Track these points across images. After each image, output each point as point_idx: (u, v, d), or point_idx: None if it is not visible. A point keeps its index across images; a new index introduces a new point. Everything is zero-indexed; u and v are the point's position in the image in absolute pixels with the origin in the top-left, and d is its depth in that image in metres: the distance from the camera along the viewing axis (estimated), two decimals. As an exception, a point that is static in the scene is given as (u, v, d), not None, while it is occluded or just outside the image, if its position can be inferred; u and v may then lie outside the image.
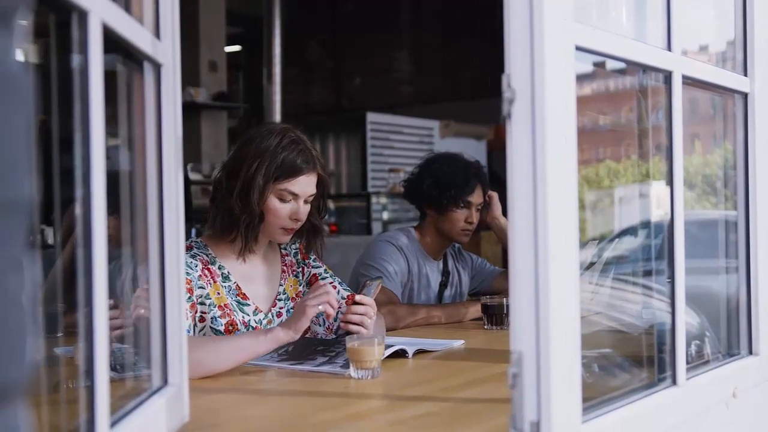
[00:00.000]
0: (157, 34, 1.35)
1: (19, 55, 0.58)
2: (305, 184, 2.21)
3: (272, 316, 2.29)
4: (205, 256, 2.21)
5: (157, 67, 1.35)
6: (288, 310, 2.32)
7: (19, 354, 0.55)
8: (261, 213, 2.19)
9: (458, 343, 2.36)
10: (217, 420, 1.58)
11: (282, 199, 2.19)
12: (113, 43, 1.12)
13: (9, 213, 0.55)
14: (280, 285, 2.35)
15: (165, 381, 1.37)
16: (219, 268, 2.23)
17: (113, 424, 1.10)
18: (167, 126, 1.37)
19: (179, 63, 1.41)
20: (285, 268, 2.38)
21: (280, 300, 2.34)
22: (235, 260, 2.26)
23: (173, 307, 1.38)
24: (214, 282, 2.19)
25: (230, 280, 2.23)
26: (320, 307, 1.97)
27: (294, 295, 2.37)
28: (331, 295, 2.00)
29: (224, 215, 2.21)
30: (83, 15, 1.00)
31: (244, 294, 2.24)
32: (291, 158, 2.18)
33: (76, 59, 1.02)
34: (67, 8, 0.98)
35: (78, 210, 1.02)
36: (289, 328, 1.97)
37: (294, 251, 2.43)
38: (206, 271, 2.18)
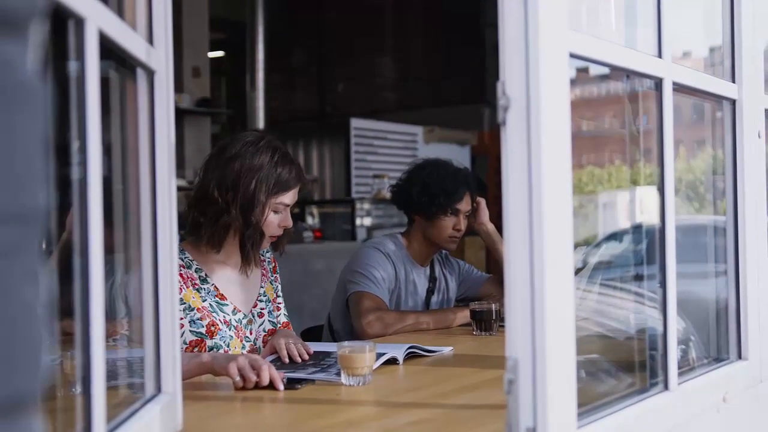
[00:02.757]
0: (150, 40, 1.35)
1: (33, 64, 0.57)
2: (295, 194, 2.33)
3: (253, 316, 2.37)
4: (180, 260, 2.23)
5: (150, 73, 1.34)
6: (270, 311, 2.42)
7: (35, 364, 0.55)
8: (261, 229, 2.27)
9: (448, 350, 2.36)
10: (210, 428, 1.57)
11: (276, 211, 2.29)
12: (106, 49, 1.12)
13: (24, 223, 0.54)
14: (261, 287, 2.43)
15: (158, 389, 1.37)
16: (196, 271, 2.28)
17: (109, 432, 1.09)
18: (160, 133, 1.37)
19: (172, 69, 1.41)
20: (264, 271, 2.47)
21: (261, 301, 2.41)
22: (214, 264, 2.32)
23: (166, 315, 1.38)
24: (188, 287, 2.24)
25: (208, 282, 2.29)
26: (237, 379, 1.83)
27: (271, 299, 2.46)
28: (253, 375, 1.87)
29: (222, 230, 2.25)
30: (80, 22, 1.00)
31: (222, 295, 2.30)
32: (286, 173, 2.28)
33: (72, 66, 1.02)
34: (63, 15, 0.98)
35: (74, 218, 1.01)
36: (215, 361, 1.92)
37: (268, 260, 2.51)
38: (179, 277, 2.20)
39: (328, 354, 2.20)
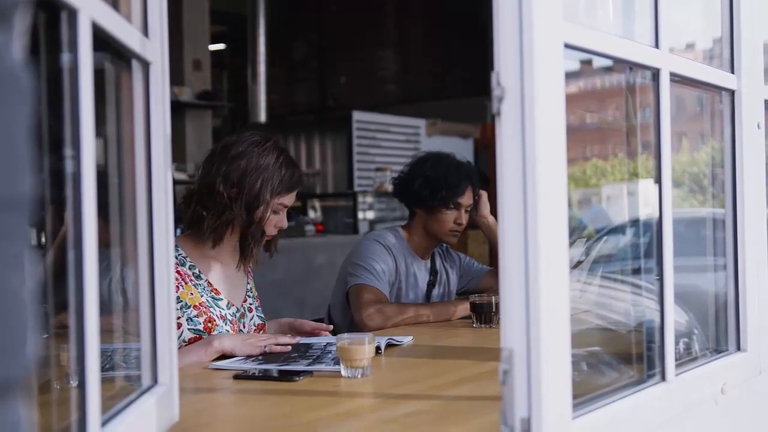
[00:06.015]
0: (145, 32, 1.35)
1: (18, 53, 0.57)
2: (294, 197, 2.39)
3: (244, 310, 2.42)
4: (174, 252, 2.26)
5: (145, 65, 1.34)
6: (257, 307, 2.48)
7: (21, 351, 0.55)
8: (263, 227, 2.31)
9: (407, 339, 2.40)
10: (207, 420, 1.58)
11: (275, 212, 2.33)
12: (101, 41, 1.12)
13: (11, 210, 0.55)
14: (248, 283, 2.48)
15: (155, 380, 1.37)
16: (189, 268, 2.31)
17: (104, 423, 1.09)
18: (156, 125, 1.37)
19: (168, 61, 1.41)
20: (250, 270, 2.51)
21: (249, 296, 2.47)
22: (207, 260, 2.35)
23: (162, 306, 1.38)
24: (186, 283, 2.27)
25: (202, 279, 2.32)
26: (266, 348, 2.14)
27: (255, 296, 2.52)
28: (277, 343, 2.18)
29: (224, 225, 2.29)
30: (73, 13, 1.00)
31: (216, 289, 2.34)
32: (289, 175, 2.33)
33: (65, 57, 1.02)
34: (56, 6, 0.98)
35: (67, 211, 1.01)
36: (224, 341, 2.13)
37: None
38: (176, 274, 2.22)
39: (310, 346, 2.23)
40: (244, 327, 2.38)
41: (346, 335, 1.96)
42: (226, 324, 2.29)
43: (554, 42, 1.20)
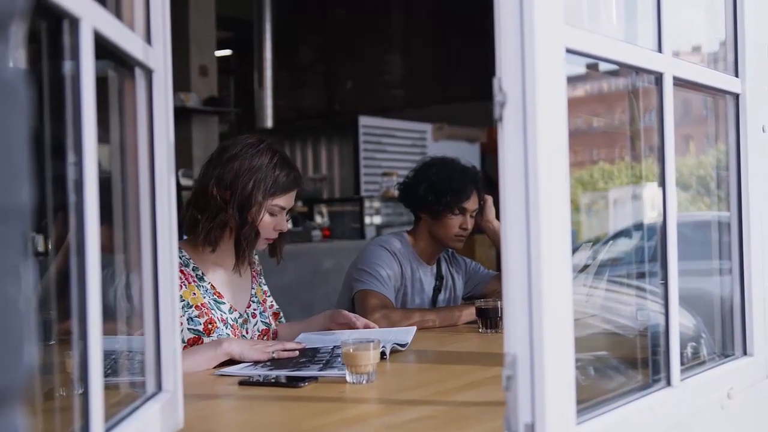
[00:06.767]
0: (148, 40, 1.35)
1: (16, 62, 0.58)
2: (291, 198, 2.37)
3: (248, 316, 2.42)
4: (178, 258, 2.27)
5: (148, 73, 1.35)
6: (261, 312, 2.47)
7: (18, 359, 0.55)
8: (257, 228, 2.30)
9: (411, 331, 2.43)
10: (212, 426, 1.58)
11: (271, 214, 2.33)
12: (104, 49, 1.12)
13: (7, 219, 0.55)
14: (252, 288, 2.48)
15: (159, 387, 1.37)
16: (193, 270, 2.32)
17: (107, 430, 1.10)
18: (159, 132, 1.37)
19: (171, 68, 1.41)
20: (254, 274, 2.52)
21: (253, 302, 2.46)
22: (210, 264, 2.36)
23: (167, 313, 1.38)
24: (189, 283, 2.28)
25: (205, 281, 2.33)
26: (274, 354, 2.14)
27: (261, 300, 2.50)
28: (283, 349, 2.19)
29: (218, 227, 2.29)
30: (75, 22, 1.00)
31: (219, 293, 2.34)
32: (284, 176, 2.32)
33: (67, 65, 1.02)
34: (58, 15, 0.98)
35: (71, 217, 1.02)
36: (233, 344, 2.12)
37: (256, 263, 2.57)
38: (179, 274, 2.23)
39: (317, 350, 2.23)
40: (247, 333, 2.38)
41: (350, 340, 1.96)
42: (226, 328, 2.30)
43: (556, 47, 1.20)
